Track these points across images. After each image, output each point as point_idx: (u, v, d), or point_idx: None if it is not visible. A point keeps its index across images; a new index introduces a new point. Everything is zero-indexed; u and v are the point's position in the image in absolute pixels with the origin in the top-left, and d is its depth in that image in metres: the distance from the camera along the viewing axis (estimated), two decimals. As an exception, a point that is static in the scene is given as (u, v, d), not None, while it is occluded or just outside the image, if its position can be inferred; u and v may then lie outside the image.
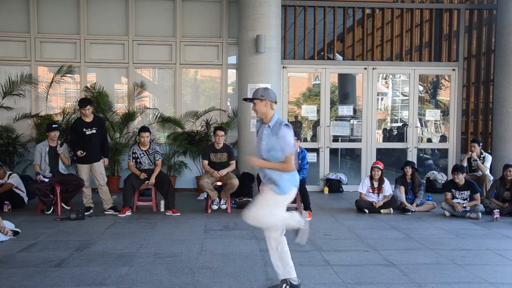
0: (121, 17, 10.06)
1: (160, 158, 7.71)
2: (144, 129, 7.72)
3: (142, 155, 7.66)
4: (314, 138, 10.63)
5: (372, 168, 7.98)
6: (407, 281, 4.40)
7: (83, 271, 4.59)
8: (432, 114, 11.42)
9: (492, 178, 8.53)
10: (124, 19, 10.04)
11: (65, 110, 9.69)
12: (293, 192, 4.11)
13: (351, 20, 10.59)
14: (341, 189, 10.00)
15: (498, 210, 7.43)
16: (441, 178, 10.10)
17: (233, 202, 8.11)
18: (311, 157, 9.55)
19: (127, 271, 4.59)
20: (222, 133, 7.76)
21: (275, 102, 4.10)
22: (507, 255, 5.35)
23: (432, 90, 12.48)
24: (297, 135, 7.53)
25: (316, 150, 10.22)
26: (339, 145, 10.63)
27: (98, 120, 7.49)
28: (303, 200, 7.40)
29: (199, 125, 9.98)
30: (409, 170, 8.02)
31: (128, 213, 7.32)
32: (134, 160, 7.64)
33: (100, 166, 7.45)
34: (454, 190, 7.70)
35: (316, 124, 10.52)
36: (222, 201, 7.81)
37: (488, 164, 8.64)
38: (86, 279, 4.35)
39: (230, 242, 5.80)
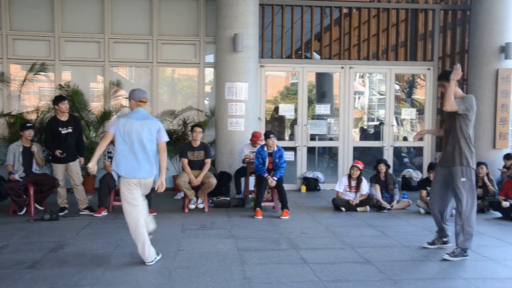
0: (97, 15, 9.92)
1: (136, 157, 7.62)
2: None
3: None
4: (291, 136, 10.66)
5: (352, 167, 8.03)
6: (382, 278, 4.45)
7: (56, 272, 4.51)
8: (408, 113, 11.56)
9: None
10: (100, 16, 9.91)
11: (39, 109, 9.51)
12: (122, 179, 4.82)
13: (328, 20, 10.65)
14: (318, 188, 10.06)
15: (475, 212, 7.54)
16: (416, 176, 10.24)
17: (211, 201, 8.08)
18: (288, 155, 9.59)
19: (102, 272, 4.53)
20: (200, 129, 7.75)
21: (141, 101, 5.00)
22: (479, 250, 5.46)
23: (408, 89, 12.64)
24: (273, 133, 7.59)
25: (294, 149, 10.26)
26: (316, 143, 10.69)
27: (73, 119, 7.39)
28: (280, 199, 7.43)
29: (176, 124, 9.92)
30: (383, 168, 8.12)
31: (104, 213, 7.24)
32: (110, 160, 7.56)
33: (76, 166, 7.35)
34: (429, 188, 7.80)
35: (293, 123, 10.56)
36: (199, 200, 7.79)
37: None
38: (60, 281, 4.28)
39: (207, 241, 5.78)
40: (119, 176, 4.83)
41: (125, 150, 4.79)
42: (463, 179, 5.12)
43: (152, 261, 4.83)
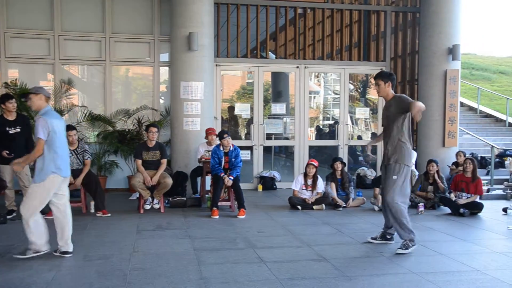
0: (46, 10, 9.60)
1: (89, 157, 7.45)
2: (69, 127, 7.41)
3: (70, 154, 7.35)
4: (248, 136, 10.68)
5: (307, 165, 8.12)
6: (338, 275, 4.51)
7: (4, 277, 4.32)
8: (362, 112, 11.79)
9: (417, 173, 8.93)
10: (49, 12, 9.59)
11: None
12: (53, 178, 4.87)
13: (283, 19, 10.73)
14: (274, 187, 10.11)
15: (423, 204, 7.80)
16: (370, 174, 10.46)
17: (166, 201, 7.98)
18: (245, 155, 9.59)
19: (53, 276, 4.38)
20: (155, 129, 7.63)
21: (49, 97, 5.12)
22: (430, 246, 5.63)
23: (361, 89, 12.87)
24: (227, 132, 7.57)
25: (250, 148, 10.28)
26: (273, 142, 10.75)
27: (22, 119, 7.12)
28: (237, 198, 7.41)
29: (131, 124, 9.74)
30: (339, 166, 8.25)
31: (55, 215, 7.00)
32: (62, 160, 7.32)
33: (25, 167, 7.08)
34: (382, 186, 7.98)
35: (249, 122, 10.58)
36: (155, 201, 7.66)
37: (413, 160, 9.03)
38: (8, 287, 4.10)
39: (163, 242, 5.70)
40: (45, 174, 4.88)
41: (62, 150, 5.00)
42: (394, 177, 5.33)
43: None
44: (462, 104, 14.66)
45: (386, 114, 5.48)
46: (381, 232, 5.75)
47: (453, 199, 7.72)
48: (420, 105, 5.11)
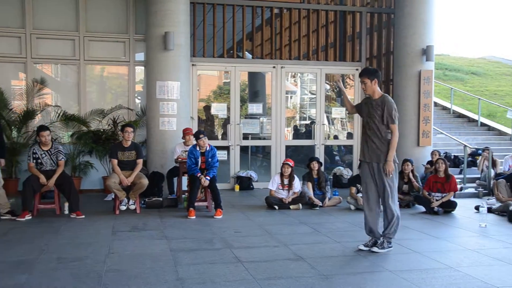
0: (17, 8, 9.39)
1: (63, 158, 7.31)
2: (42, 128, 7.27)
3: (44, 155, 7.22)
4: (224, 136, 10.65)
5: (283, 165, 8.15)
6: (315, 274, 4.53)
7: (-25, 281, 4.23)
8: (338, 112, 11.87)
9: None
10: (20, 9, 9.38)
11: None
12: None
13: (260, 19, 10.73)
14: (251, 186, 10.11)
15: (398, 203, 7.87)
16: (346, 173, 10.54)
17: (142, 202, 7.90)
18: (221, 155, 9.56)
19: (25, 279, 4.29)
20: (131, 129, 7.56)
21: None
22: (405, 244, 5.70)
23: (338, 89, 12.97)
24: (203, 133, 7.54)
25: (227, 148, 10.25)
26: (249, 142, 10.75)
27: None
28: (214, 199, 7.39)
29: (106, 124, 9.62)
30: (315, 165, 8.29)
31: (28, 217, 6.86)
32: (34, 161, 7.18)
33: None
34: (359, 185, 8.05)
35: (226, 122, 10.55)
36: (131, 202, 7.59)
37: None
38: (-21, 290, 4.01)
39: (139, 243, 5.65)
40: None
41: None
42: (391, 175, 5.34)
43: None
44: (435, 104, 14.89)
45: (373, 114, 5.35)
46: (371, 240, 5.44)
47: (433, 202, 7.74)
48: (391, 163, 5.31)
